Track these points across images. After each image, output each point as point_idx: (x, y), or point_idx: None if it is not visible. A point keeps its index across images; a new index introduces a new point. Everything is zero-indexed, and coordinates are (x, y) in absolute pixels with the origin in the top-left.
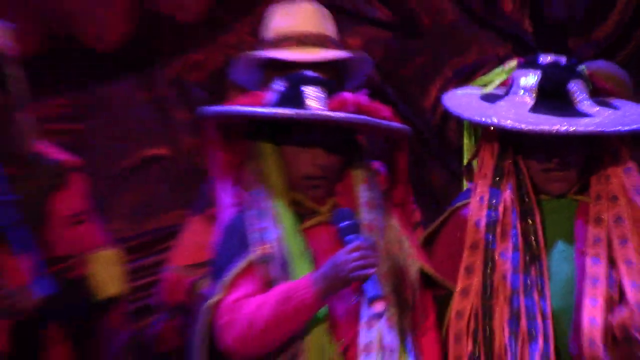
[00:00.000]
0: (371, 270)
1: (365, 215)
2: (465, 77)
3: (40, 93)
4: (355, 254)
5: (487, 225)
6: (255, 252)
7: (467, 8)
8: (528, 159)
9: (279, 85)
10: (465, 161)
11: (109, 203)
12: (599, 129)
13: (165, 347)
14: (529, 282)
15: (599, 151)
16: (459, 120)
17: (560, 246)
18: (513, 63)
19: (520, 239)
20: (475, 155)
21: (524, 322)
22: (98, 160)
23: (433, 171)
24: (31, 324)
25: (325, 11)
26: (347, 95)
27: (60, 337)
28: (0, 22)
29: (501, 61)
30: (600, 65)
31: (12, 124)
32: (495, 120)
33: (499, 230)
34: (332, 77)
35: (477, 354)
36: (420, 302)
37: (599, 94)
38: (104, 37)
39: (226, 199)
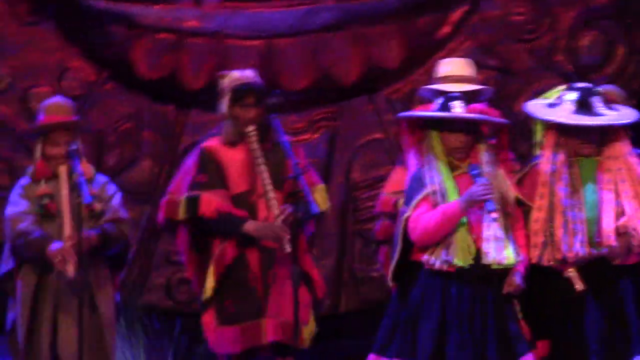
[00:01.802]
0: (489, 195)
1: (485, 168)
2: (537, 95)
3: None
4: (481, 188)
5: (551, 172)
6: (428, 189)
7: (539, 61)
8: (570, 137)
9: (440, 100)
10: (536, 140)
11: (347, 165)
12: (608, 123)
13: (382, 237)
14: (573, 203)
15: (608, 132)
16: (532, 118)
17: (589, 184)
18: (562, 87)
19: (568, 179)
20: (542, 137)
21: (570, 224)
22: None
23: (520, 144)
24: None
25: (469, 61)
26: (476, 105)
27: (305, 237)
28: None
29: (555, 86)
30: (608, 87)
31: (271, 127)
32: (554, 118)
33: (557, 174)
34: (471, 97)
35: (546, 242)
36: (515, 213)
37: (608, 103)
38: (348, 76)
39: (412, 160)
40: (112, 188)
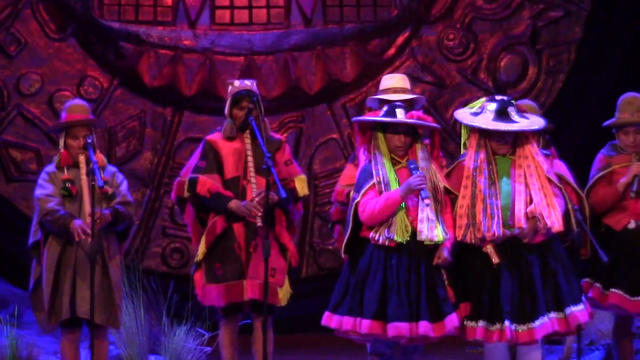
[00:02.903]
0: (423, 185)
1: (421, 163)
2: (464, 105)
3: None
4: (417, 179)
5: (474, 168)
6: (374, 179)
7: (466, 77)
8: (489, 140)
9: (385, 108)
10: (462, 141)
11: (309, 159)
12: (521, 129)
13: (336, 218)
14: (491, 192)
15: (521, 136)
16: (460, 123)
17: (504, 178)
18: (484, 99)
19: (487, 174)
20: (467, 138)
21: (489, 210)
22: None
23: (449, 144)
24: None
25: (406, 77)
26: (413, 112)
27: (284, 216)
28: (253, 80)
29: (479, 98)
30: (521, 100)
31: (264, 124)
32: (477, 124)
33: (478, 169)
34: (408, 105)
35: (469, 224)
36: (444, 200)
37: (521, 113)
38: (312, 88)
39: (362, 156)
40: (120, 176)
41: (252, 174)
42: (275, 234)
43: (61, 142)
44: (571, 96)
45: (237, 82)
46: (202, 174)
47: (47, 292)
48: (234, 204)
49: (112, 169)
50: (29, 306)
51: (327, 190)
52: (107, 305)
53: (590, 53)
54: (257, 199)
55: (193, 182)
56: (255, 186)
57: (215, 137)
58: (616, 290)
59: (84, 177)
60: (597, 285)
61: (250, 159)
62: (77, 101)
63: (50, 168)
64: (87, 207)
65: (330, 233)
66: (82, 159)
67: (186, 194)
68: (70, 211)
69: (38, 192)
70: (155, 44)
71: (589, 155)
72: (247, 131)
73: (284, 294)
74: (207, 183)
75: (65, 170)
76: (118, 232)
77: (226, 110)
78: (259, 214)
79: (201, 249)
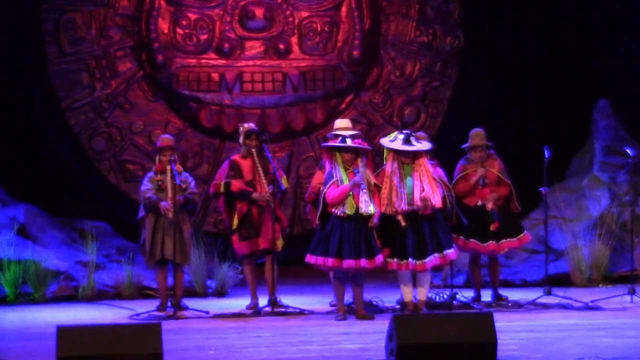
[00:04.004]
0: (362, 182)
1: (361, 169)
2: (384, 136)
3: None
4: (359, 178)
5: (391, 171)
6: (334, 179)
7: (385, 120)
8: (400, 155)
9: (340, 138)
10: (384, 156)
11: (297, 167)
12: (418, 149)
13: (310, 201)
14: (400, 186)
15: (417, 154)
16: (382, 146)
17: (408, 177)
18: (396, 132)
19: (398, 175)
20: (387, 155)
21: (399, 195)
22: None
23: (376, 159)
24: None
25: (349, 121)
26: (356, 140)
27: (278, 203)
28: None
29: (393, 132)
30: (418, 133)
31: (263, 149)
32: (392, 146)
33: (394, 172)
34: (353, 137)
35: (388, 203)
36: (374, 190)
37: (418, 140)
38: (298, 126)
39: (327, 166)
40: (190, 178)
41: (262, 177)
42: (274, 211)
43: (157, 159)
44: (444, 131)
45: (246, 125)
46: (232, 179)
47: (147, 246)
48: (255, 195)
49: (185, 174)
50: (139, 253)
51: (307, 185)
52: (182, 251)
53: (456, 106)
54: (268, 191)
55: (228, 184)
56: (264, 184)
57: (236, 157)
58: (473, 240)
59: (168, 178)
60: (461, 237)
61: (259, 169)
62: (166, 135)
63: (150, 174)
64: (170, 195)
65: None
66: (168, 168)
67: (222, 190)
68: (160, 198)
69: (143, 187)
70: (209, 103)
71: (454, 164)
72: (254, 152)
73: (280, 243)
74: (236, 184)
75: (159, 174)
76: (188, 210)
77: (240, 141)
78: (270, 200)
79: (235, 222)
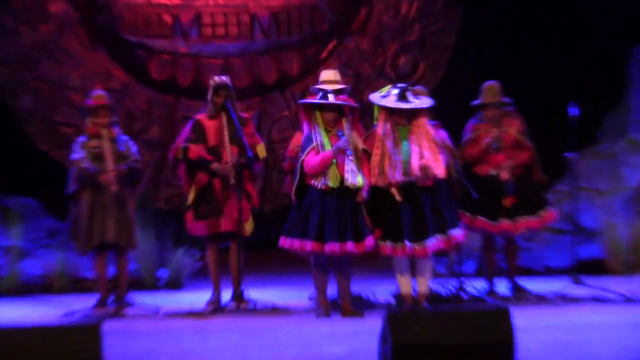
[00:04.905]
0: (348, 146)
1: (346, 131)
2: (375, 91)
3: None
4: (343, 142)
5: (383, 134)
6: (314, 143)
7: (376, 71)
8: (393, 115)
9: (320, 93)
10: (375, 116)
11: (268, 130)
12: (415, 107)
13: (288, 170)
14: (395, 152)
15: (415, 112)
16: (372, 104)
17: (404, 141)
18: (389, 86)
19: (392, 138)
20: (378, 114)
21: (393, 163)
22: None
23: (365, 119)
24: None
25: (337, 72)
26: (341, 96)
27: (249, 172)
28: (227, 76)
29: (385, 86)
30: (417, 87)
31: (236, 107)
32: (385, 104)
33: (386, 135)
34: (338, 92)
35: (380, 173)
36: (362, 157)
37: (415, 95)
38: (269, 80)
39: (305, 127)
40: (131, 143)
41: (227, 143)
42: (242, 185)
43: (89, 120)
44: (448, 83)
45: (216, 78)
46: (191, 143)
47: (84, 226)
48: (214, 165)
49: (124, 137)
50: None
51: (282, 152)
52: (127, 233)
53: (461, 53)
54: (231, 162)
55: (185, 149)
56: (228, 152)
57: (201, 116)
58: (481, 217)
59: (106, 144)
60: (467, 214)
61: (225, 132)
62: (99, 91)
63: (82, 138)
64: (110, 164)
65: (284, 180)
66: (104, 131)
67: (180, 157)
68: (98, 168)
69: (74, 155)
70: (160, 51)
71: (461, 124)
72: (224, 112)
73: (249, 226)
74: (195, 150)
75: (93, 139)
76: (132, 181)
77: (209, 97)
78: (232, 173)
79: (191, 196)
